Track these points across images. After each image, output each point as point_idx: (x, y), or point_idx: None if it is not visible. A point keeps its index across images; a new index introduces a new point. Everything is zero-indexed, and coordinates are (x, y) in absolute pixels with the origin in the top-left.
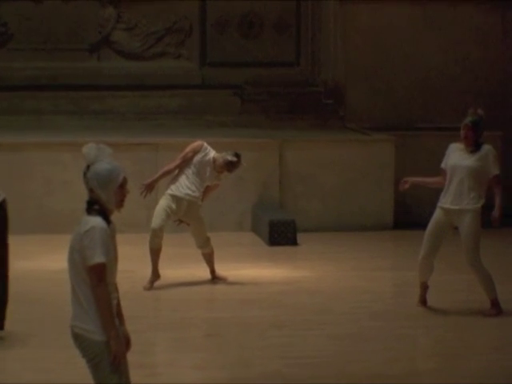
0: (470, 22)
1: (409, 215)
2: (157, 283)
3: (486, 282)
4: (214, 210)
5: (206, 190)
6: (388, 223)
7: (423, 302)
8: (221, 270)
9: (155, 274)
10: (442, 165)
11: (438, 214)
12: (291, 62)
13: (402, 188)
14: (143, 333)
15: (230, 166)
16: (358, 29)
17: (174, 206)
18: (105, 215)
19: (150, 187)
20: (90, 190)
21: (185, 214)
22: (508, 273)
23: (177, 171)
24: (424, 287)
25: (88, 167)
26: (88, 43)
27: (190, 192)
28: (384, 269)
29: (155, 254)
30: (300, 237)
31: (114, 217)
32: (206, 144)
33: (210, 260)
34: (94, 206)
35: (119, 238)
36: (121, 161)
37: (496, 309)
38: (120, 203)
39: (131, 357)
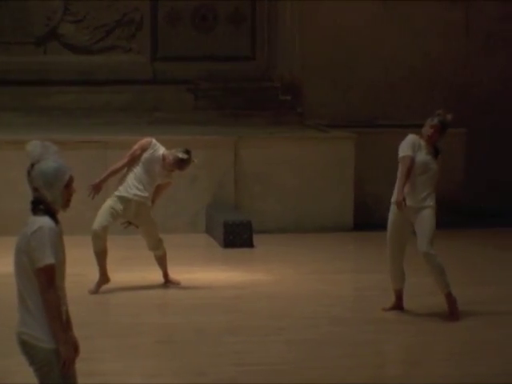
0: (433, 16)
1: (369, 216)
2: (106, 287)
3: (439, 274)
4: (166, 210)
5: (158, 190)
6: (348, 224)
7: (394, 308)
8: (173, 273)
9: (104, 278)
10: (410, 153)
11: (395, 214)
12: (246, 57)
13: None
14: (92, 339)
15: (181, 164)
16: (317, 22)
17: (121, 207)
18: (51, 215)
19: (97, 188)
20: (35, 190)
21: (135, 216)
22: (474, 275)
23: (125, 170)
24: (398, 296)
25: (32, 166)
26: (34, 36)
27: (138, 192)
28: (345, 271)
29: (100, 257)
30: (256, 238)
31: (60, 217)
32: (154, 140)
33: (162, 263)
34: (40, 206)
35: (65, 239)
36: (68, 159)
37: (451, 304)
38: (66, 203)
39: (80, 364)
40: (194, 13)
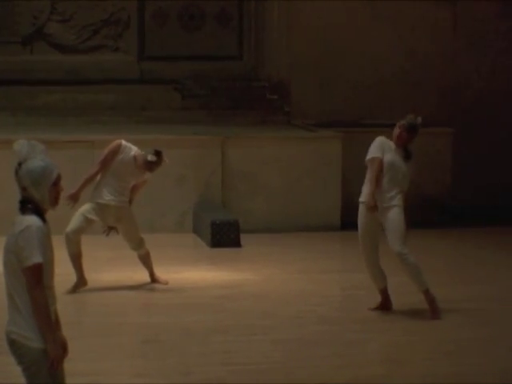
0: (420, 15)
1: (357, 215)
2: (93, 287)
3: (414, 272)
4: (153, 210)
5: (134, 189)
6: (335, 223)
7: (381, 307)
8: (160, 272)
9: (81, 281)
10: (379, 155)
11: (364, 215)
12: (234, 56)
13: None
14: (78, 339)
15: (150, 166)
16: (304, 21)
17: (99, 212)
18: (40, 214)
19: (74, 198)
20: (23, 189)
21: (116, 220)
22: (460, 274)
23: (99, 176)
24: (384, 295)
25: (20, 165)
26: (21, 35)
27: (114, 198)
28: (332, 271)
29: (75, 260)
30: (243, 238)
31: (47, 217)
32: (124, 142)
33: (146, 262)
34: (28, 205)
35: (53, 239)
36: (55, 159)
37: (430, 302)
38: (55, 201)
39: (66, 364)
40: (181, 12)
